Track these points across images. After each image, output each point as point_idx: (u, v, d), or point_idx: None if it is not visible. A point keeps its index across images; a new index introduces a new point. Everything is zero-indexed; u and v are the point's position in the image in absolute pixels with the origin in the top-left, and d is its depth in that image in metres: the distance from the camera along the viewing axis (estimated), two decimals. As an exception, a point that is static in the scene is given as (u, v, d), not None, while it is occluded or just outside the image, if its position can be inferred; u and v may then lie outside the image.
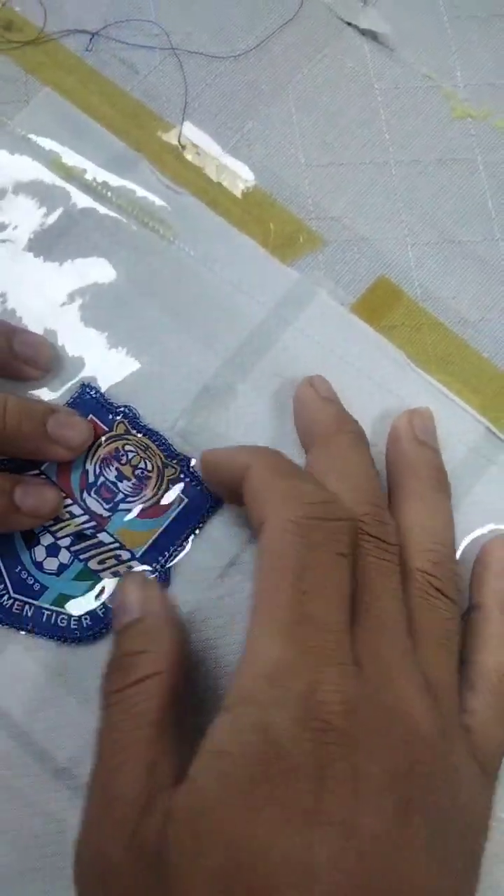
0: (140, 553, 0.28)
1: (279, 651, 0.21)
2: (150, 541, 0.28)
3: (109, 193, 0.31)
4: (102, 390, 0.29)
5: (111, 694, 0.23)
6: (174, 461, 0.29)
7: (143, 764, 0.21)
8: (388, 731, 0.21)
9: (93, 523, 0.28)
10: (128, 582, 0.25)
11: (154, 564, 0.28)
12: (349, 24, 0.34)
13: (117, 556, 0.28)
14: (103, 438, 0.29)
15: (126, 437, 0.29)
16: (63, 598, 0.27)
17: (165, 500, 0.28)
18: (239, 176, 0.32)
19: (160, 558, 0.28)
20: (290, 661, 0.21)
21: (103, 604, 0.27)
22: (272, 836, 0.19)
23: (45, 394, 0.29)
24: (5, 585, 0.27)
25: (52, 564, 0.28)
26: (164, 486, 0.28)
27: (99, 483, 0.28)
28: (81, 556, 0.28)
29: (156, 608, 0.24)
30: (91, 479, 0.28)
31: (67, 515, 0.28)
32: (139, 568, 0.28)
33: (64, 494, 0.28)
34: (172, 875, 0.19)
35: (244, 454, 0.26)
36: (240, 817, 0.19)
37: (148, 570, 0.28)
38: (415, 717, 0.21)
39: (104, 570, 0.28)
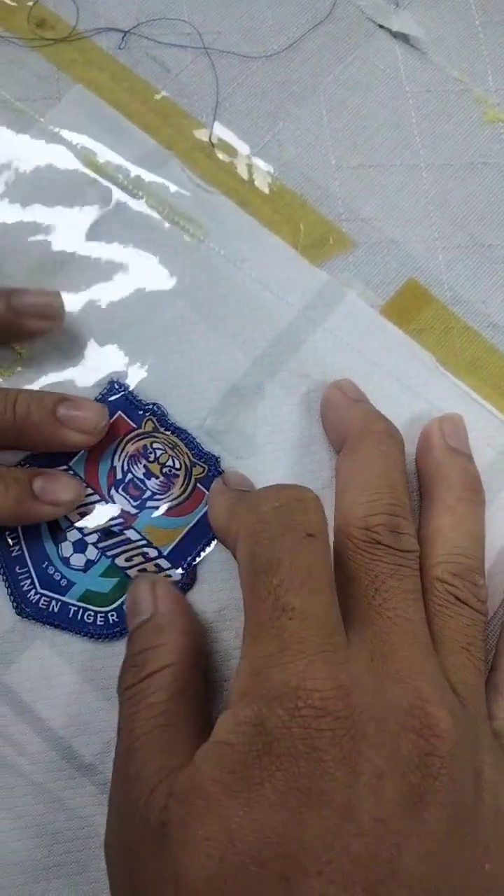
0: (167, 551, 0.28)
1: (265, 647, 0.21)
2: (178, 539, 0.28)
3: (140, 191, 0.31)
4: (131, 387, 0.29)
5: (125, 690, 0.24)
6: (202, 460, 0.29)
7: (157, 749, 0.22)
8: (396, 721, 0.21)
9: (120, 520, 0.28)
10: (138, 583, 0.26)
11: (181, 562, 0.28)
12: (381, 26, 0.34)
13: (144, 554, 0.28)
14: (131, 435, 0.29)
15: (154, 434, 0.29)
16: (89, 594, 0.27)
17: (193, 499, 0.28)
18: (269, 176, 0.32)
19: (187, 556, 0.28)
20: (277, 655, 0.21)
21: (130, 601, 0.27)
22: (265, 814, 0.19)
23: (72, 389, 0.29)
24: (32, 580, 0.27)
25: (79, 560, 0.28)
26: (191, 485, 0.28)
27: (127, 480, 0.28)
28: (108, 553, 0.28)
29: (166, 604, 0.25)
30: (119, 475, 0.28)
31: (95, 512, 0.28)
32: (166, 565, 0.28)
33: (91, 490, 0.28)
34: (171, 843, 0.20)
35: (211, 513, 0.28)
36: (233, 795, 0.20)
37: (175, 568, 0.28)
38: (430, 712, 0.21)
39: (131, 567, 0.28)
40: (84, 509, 0.28)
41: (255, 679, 0.21)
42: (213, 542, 0.28)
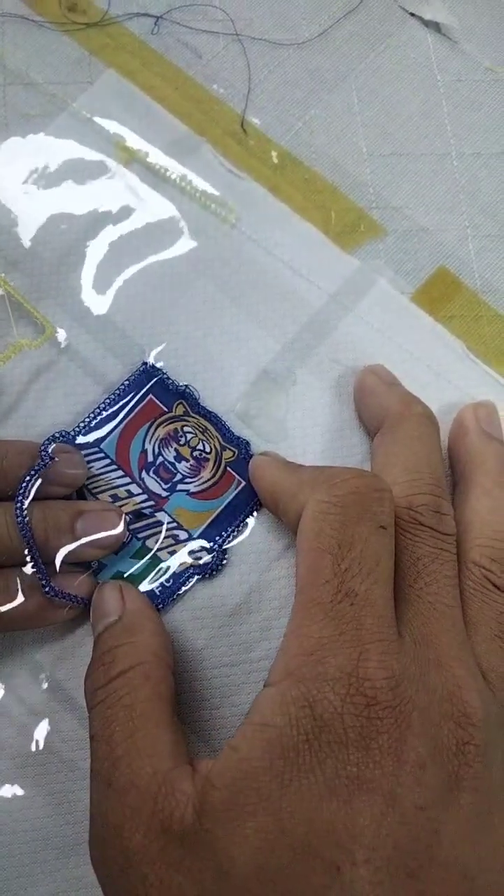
0: (197, 533, 0.28)
1: (321, 629, 0.21)
2: (208, 522, 0.28)
3: (172, 176, 0.32)
4: (163, 371, 0.29)
5: (96, 691, 0.23)
6: (232, 444, 0.29)
7: (144, 754, 0.21)
8: (437, 709, 0.21)
9: (151, 503, 0.28)
10: (104, 587, 0.26)
11: (211, 545, 0.28)
12: (412, 14, 0.34)
13: (175, 536, 0.28)
14: (162, 419, 0.29)
15: (185, 418, 0.29)
16: (120, 576, 0.28)
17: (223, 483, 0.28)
18: (300, 163, 0.32)
19: (217, 539, 0.28)
20: (333, 638, 0.21)
21: (161, 583, 0.27)
22: (316, 802, 0.19)
23: (105, 371, 0.29)
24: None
25: (109, 542, 0.28)
26: (221, 469, 0.29)
27: (158, 463, 0.29)
28: (139, 535, 0.28)
29: (134, 604, 0.25)
30: (150, 458, 0.29)
31: (126, 494, 0.28)
32: (196, 548, 0.28)
33: (122, 472, 0.28)
34: (213, 838, 0.19)
35: (269, 474, 0.27)
36: (285, 784, 0.20)
37: (205, 550, 0.28)
38: (466, 700, 0.21)
39: (161, 549, 0.28)
40: (115, 492, 0.28)
41: (307, 659, 0.21)
42: (243, 527, 0.28)
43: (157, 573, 0.28)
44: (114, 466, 0.28)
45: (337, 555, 0.22)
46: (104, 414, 0.29)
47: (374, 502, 0.23)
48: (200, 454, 0.29)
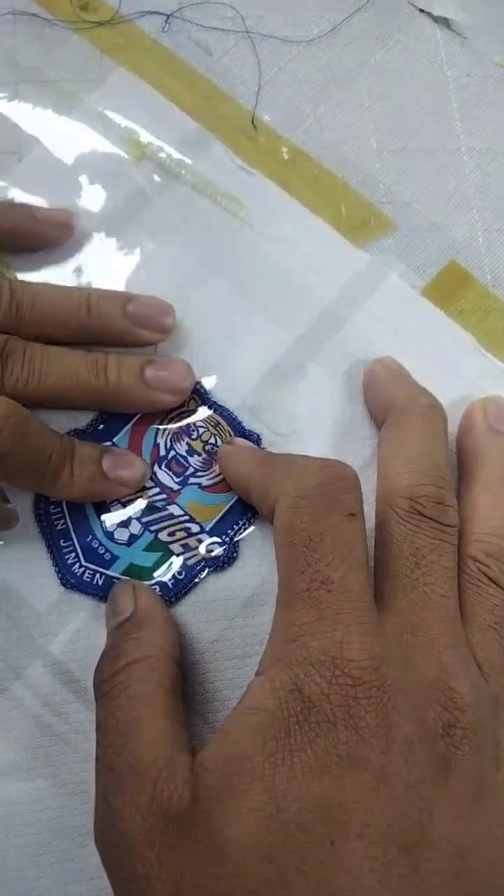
0: (209, 526, 0.28)
1: (302, 616, 0.22)
2: (220, 515, 0.28)
3: (183, 172, 0.32)
4: (174, 365, 0.30)
5: (102, 683, 0.24)
6: (244, 438, 0.29)
7: (146, 741, 0.22)
8: (423, 693, 0.21)
9: (163, 496, 0.28)
10: (119, 586, 0.27)
11: (223, 537, 0.28)
12: (422, 10, 0.35)
13: (187, 529, 0.28)
14: (174, 413, 0.29)
15: (197, 412, 0.29)
16: (133, 568, 0.28)
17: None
18: (311, 159, 0.33)
19: (229, 531, 0.28)
20: (314, 623, 0.22)
21: (173, 575, 0.28)
22: (308, 779, 0.20)
23: (118, 367, 0.30)
24: (77, 554, 0.28)
25: (122, 535, 0.28)
26: (233, 462, 0.29)
27: (170, 457, 0.29)
28: (152, 528, 0.28)
29: (145, 602, 0.26)
30: (162, 452, 0.29)
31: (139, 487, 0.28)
32: (208, 540, 0.28)
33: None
34: (209, 820, 0.20)
35: (241, 467, 0.27)
36: (277, 763, 0.20)
37: (217, 543, 0.28)
38: (453, 686, 0.22)
39: (174, 541, 0.28)
40: (128, 484, 0.28)
41: (292, 646, 0.22)
42: (255, 519, 0.28)
43: (169, 566, 0.28)
44: (147, 462, 0.28)
45: (308, 546, 0.23)
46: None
47: (340, 492, 0.23)
48: (212, 448, 0.29)
